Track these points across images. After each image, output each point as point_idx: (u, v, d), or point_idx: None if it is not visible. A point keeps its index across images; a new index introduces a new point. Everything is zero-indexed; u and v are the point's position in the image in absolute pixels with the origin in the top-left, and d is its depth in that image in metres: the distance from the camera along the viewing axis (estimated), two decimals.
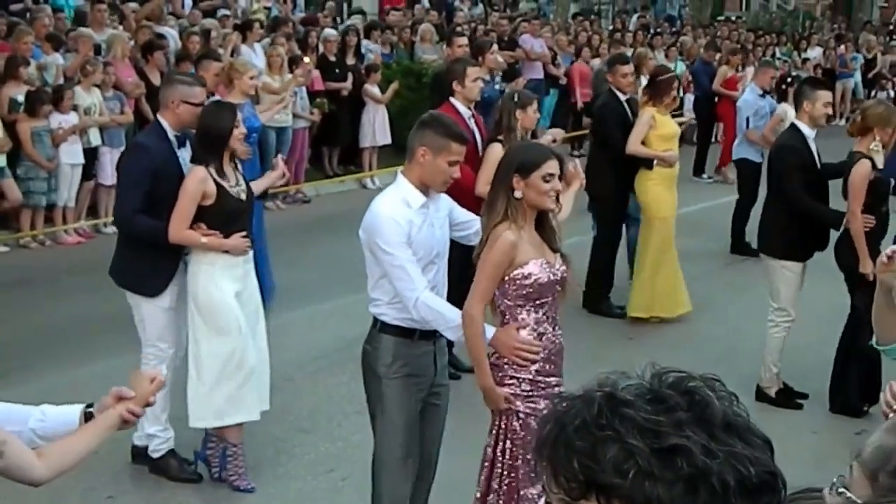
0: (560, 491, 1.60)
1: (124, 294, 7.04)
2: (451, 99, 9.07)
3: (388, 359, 5.58)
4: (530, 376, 5.33)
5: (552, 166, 5.27)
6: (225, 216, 6.62)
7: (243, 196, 6.77)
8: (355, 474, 7.20)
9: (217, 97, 8.74)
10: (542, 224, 5.39)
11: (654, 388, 1.63)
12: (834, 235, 8.46)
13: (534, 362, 5.32)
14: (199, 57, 11.82)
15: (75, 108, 13.13)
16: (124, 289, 7.00)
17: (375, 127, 17.34)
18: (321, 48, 17.29)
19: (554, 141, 9.18)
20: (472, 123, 8.81)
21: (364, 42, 18.76)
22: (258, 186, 7.63)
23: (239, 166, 6.92)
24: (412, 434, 5.66)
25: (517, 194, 5.23)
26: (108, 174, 13.62)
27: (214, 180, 6.58)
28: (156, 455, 7.10)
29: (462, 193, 5.97)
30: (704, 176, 18.34)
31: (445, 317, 5.44)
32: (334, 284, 11.06)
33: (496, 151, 8.08)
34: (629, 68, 11.02)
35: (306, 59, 15.97)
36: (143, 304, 6.92)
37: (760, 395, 8.71)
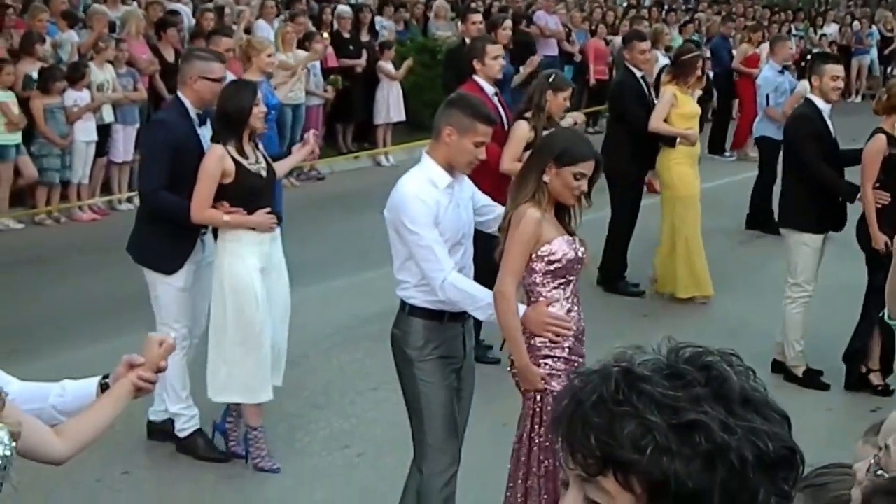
0: (577, 467, 1.59)
1: (138, 272, 7.04)
2: (475, 77, 9.04)
3: (420, 342, 5.51)
4: (564, 354, 5.30)
5: (587, 167, 5.22)
6: (246, 193, 6.60)
7: (263, 173, 6.74)
8: (369, 451, 7.22)
9: (230, 74, 8.69)
10: (562, 212, 5.36)
11: (671, 363, 1.61)
12: (852, 215, 8.41)
13: (566, 338, 5.29)
14: (210, 33, 11.82)
15: (88, 85, 13.12)
16: (141, 265, 7.00)
17: (390, 104, 17.31)
18: (335, 25, 17.25)
19: (575, 123, 9.15)
20: (496, 101, 8.74)
21: (377, 19, 18.72)
22: (289, 162, 7.65)
23: (259, 144, 6.89)
24: (452, 415, 5.58)
25: (545, 178, 5.19)
26: (120, 151, 13.70)
27: (233, 158, 6.55)
28: (183, 434, 7.07)
29: (486, 170, 5.93)
30: (726, 154, 18.23)
31: (474, 297, 5.40)
32: (348, 261, 11.07)
33: (522, 129, 8.05)
34: (646, 45, 10.98)
35: (325, 34, 15.93)
36: (157, 282, 6.92)
37: (784, 373, 8.69)
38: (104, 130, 13.44)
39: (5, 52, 13.00)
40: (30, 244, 11.79)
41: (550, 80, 8.62)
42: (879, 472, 2.33)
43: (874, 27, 28.41)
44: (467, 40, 12.82)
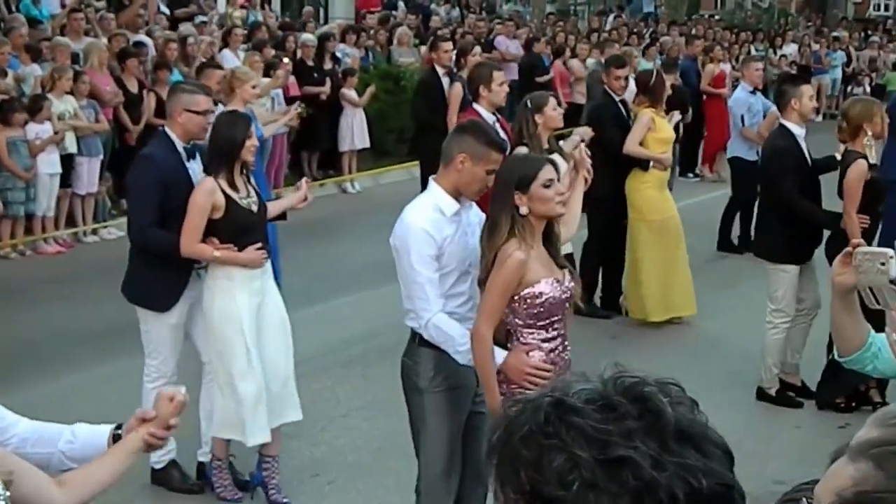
0: (507, 501, 1.55)
1: (106, 303, 7.00)
2: (475, 105, 9.05)
3: (430, 372, 5.46)
4: None
5: (549, 171, 5.15)
6: (236, 228, 6.48)
7: (255, 208, 6.61)
8: (340, 479, 7.18)
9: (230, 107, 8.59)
10: (549, 239, 5.28)
11: (605, 393, 1.56)
12: (827, 232, 8.42)
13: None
14: (201, 66, 11.80)
15: (50, 117, 13.04)
16: (134, 304, 6.89)
17: (354, 131, 17.31)
18: (299, 53, 17.26)
19: (582, 140, 9.12)
20: (498, 128, 8.66)
21: (340, 46, 18.73)
22: (280, 205, 7.53)
23: (251, 178, 6.78)
24: (455, 449, 5.55)
25: (522, 210, 5.09)
26: (84, 183, 13.63)
27: (224, 192, 6.43)
28: (158, 466, 6.98)
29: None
30: (690, 175, 18.29)
31: (454, 340, 5.34)
32: (317, 289, 11.04)
33: None
34: (624, 72, 10.99)
35: (286, 60, 15.92)
36: (150, 319, 6.82)
37: (762, 396, 8.65)
38: (67, 161, 13.35)
39: None
40: None
41: (527, 105, 8.53)
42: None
43: (839, 51, 28.62)
44: (438, 69, 12.89)
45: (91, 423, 3.70)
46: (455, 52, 13.21)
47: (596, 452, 1.49)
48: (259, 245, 6.59)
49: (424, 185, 12.45)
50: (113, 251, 13.12)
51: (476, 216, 5.65)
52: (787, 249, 8.43)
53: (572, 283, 5.31)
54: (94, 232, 13.95)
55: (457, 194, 5.45)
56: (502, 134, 8.50)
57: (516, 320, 5.20)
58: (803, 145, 8.49)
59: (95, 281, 11.70)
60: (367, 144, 17.60)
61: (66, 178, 13.46)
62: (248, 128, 6.62)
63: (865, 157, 8.00)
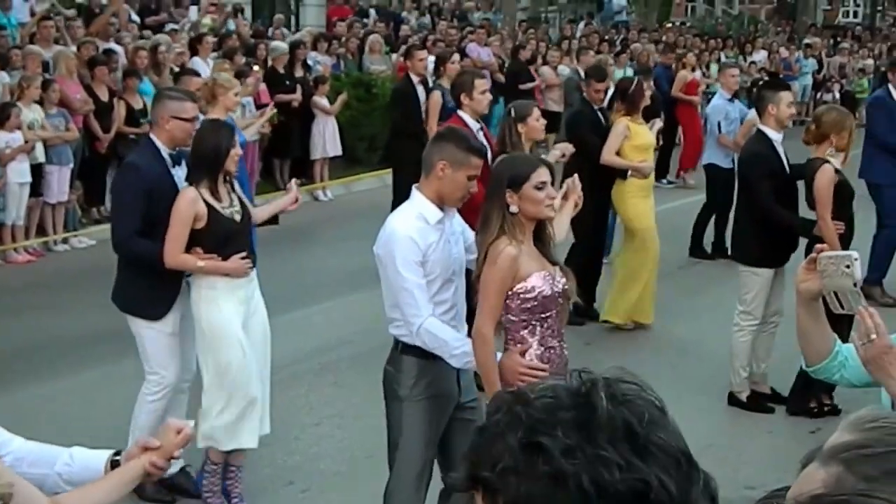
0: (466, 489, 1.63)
1: (75, 312, 6.93)
2: (460, 112, 9.07)
3: (411, 381, 5.45)
4: None
5: (542, 174, 5.17)
6: (219, 238, 6.43)
7: (238, 217, 6.55)
8: (314, 487, 7.16)
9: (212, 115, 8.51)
10: (541, 238, 5.29)
11: (559, 388, 1.60)
12: (803, 239, 8.44)
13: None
14: (179, 73, 11.77)
15: (20, 126, 12.97)
16: (126, 313, 6.79)
17: (326, 138, 17.31)
18: (270, 61, 17.24)
19: (563, 156, 9.12)
20: (481, 136, 8.60)
21: (311, 54, 18.72)
22: (268, 210, 7.47)
23: (236, 186, 6.71)
24: (429, 458, 5.55)
25: (513, 209, 5.13)
26: (54, 192, 13.54)
27: (206, 201, 6.37)
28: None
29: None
30: (664, 181, 18.33)
31: (449, 344, 5.34)
32: (289, 297, 11.00)
33: None
34: (604, 85, 11.00)
35: (256, 67, 15.90)
36: (144, 329, 6.73)
37: (733, 401, 8.66)
38: (37, 170, 13.26)
39: None
40: None
41: (511, 114, 8.54)
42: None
43: (811, 58, 28.75)
44: (413, 77, 12.90)
45: (55, 435, 3.67)
46: (432, 60, 13.17)
47: (521, 437, 1.54)
48: (244, 254, 6.55)
49: (397, 193, 12.55)
50: (84, 260, 13.14)
51: (459, 225, 5.67)
52: (763, 253, 8.45)
53: (565, 280, 5.31)
54: (65, 241, 13.88)
55: (440, 202, 5.44)
56: (485, 142, 8.53)
57: (510, 317, 5.21)
58: (780, 151, 8.51)
59: (66, 290, 11.69)
60: (339, 152, 17.59)
61: (37, 188, 13.38)
62: (233, 137, 6.59)
63: (832, 164, 8.06)
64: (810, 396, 8.33)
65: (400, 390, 5.49)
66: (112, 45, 16.42)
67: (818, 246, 3.80)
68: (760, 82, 16.05)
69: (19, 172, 12.96)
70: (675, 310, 10.88)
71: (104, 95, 14.38)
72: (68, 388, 8.72)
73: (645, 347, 10.01)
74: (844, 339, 3.77)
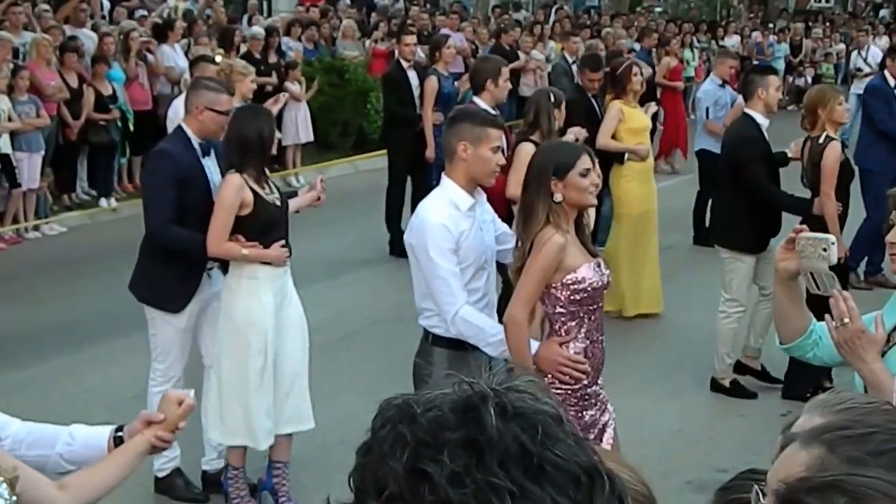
0: None
1: (52, 299, 6.87)
2: (476, 98, 9.05)
3: (442, 373, 5.29)
4: (579, 391, 5.11)
5: (586, 161, 5.07)
6: (263, 225, 6.32)
7: (278, 203, 6.45)
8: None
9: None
10: (580, 228, 5.19)
11: (444, 400, 1.50)
12: (787, 224, 8.43)
13: (579, 381, 5.09)
14: (195, 59, 11.67)
15: None
16: (144, 303, 6.72)
17: (298, 124, 17.22)
18: (243, 47, 17.16)
19: (577, 140, 9.10)
20: None
21: (284, 39, 18.67)
22: (294, 204, 7.27)
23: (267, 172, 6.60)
24: None
25: (557, 197, 5.00)
26: (25, 178, 13.41)
27: (251, 188, 6.25)
28: (161, 474, 6.83)
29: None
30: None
31: (485, 332, 5.29)
32: None
33: (527, 152, 7.49)
34: (598, 75, 10.97)
35: (218, 59, 15.86)
36: (158, 321, 6.67)
37: (715, 387, 8.66)
38: (4, 161, 13.15)
39: None
40: None
41: (551, 98, 8.53)
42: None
43: (783, 43, 28.80)
44: (402, 61, 12.89)
45: (30, 421, 3.64)
46: (428, 46, 13.15)
47: (406, 463, 1.45)
48: (283, 242, 6.46)
49: (394, 177, 12.49)
50: (55, 247, 13.10)
51: (489, 213, 5.63)
52: (745, 238, 8.46)
53: (609, 271, 5.25)
54: (36, 228, 13.81)
55: (471, 186, 5.39)
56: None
57: (559, 309, 5.09)
58: (765, 134, 8.54)
59: (39, 277, 11.64)
60: (311, 138, 17.52)
61: (13, 180, 13.27)
62: (273, 122, 6.54)
63: (838, 140, 8.09)
64: (809, 385, 8.01)
65: (430, 382, 5.45)
66: (80, 31, 16.32)
67: (796, 227, 3.82)
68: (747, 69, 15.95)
69: None
70: (668, 296, 10.80)
71: (74, 82, 14.30)
72: (41, 374, 8.71)
73: (624, 332, 9.91)
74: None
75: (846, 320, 3.45)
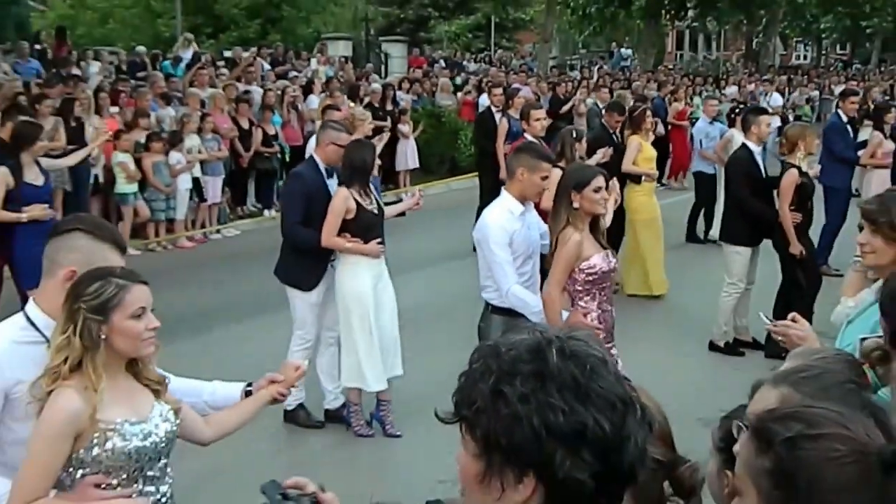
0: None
1: (226, 284, 6.93)
2: (525, 133, 9.37)
3: (498, 333, 5.39)
4: None
5: (600, 181, 5.19)
6: (363, 227, 6.45)
7: (375, 211, 6.57)
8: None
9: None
10: (595, 227, 5.30)
11: (520, 344, 1.57)
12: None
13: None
14: (324, 107, 11.84)
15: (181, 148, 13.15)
16: (285, 284, 6.85)
17: (408, 155, 17.34)
18: (367, 98, 17.28)
19: (603, 157, 9.17)
20: None
21: (398, 93, 18.77)
22: (396, 209, 7.45)
23: (372, 187, 6.72)
24: None
25: (575, 205, 5.14)
26: (209, 195, 13.69)
27: (355, 199, 6.42)
28: (289, 408, 6.94)
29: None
30: (658, 184, 18.10)
31: (529, 304, 5.42)
32: (397, 265, 11.05)
33: (555, 175, 7.72)
34: (622, 117, 10.95)
35: (350, 105, 15.98)
36: (296, 298, 6.79)
37: (713, 347, 8.68)
38: (196, 182, 13.45)
39: (121, 125, 13.03)
40: (144, 266, 11.47)
41: (573, 135, 8.62)
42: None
43: (776, 93, 28.24)
44: (492, 108, 12.86)
45: (212, 376, 3.71)
46: (504, 95, 13.10)
47: (490, 385, 1.52)
48: (379, 240, 6.58)
49: (483, 193, 12.54)
50: (232, 246, 13.30)
51: (535, 217, 5.77)
52: (741, 235, 8.46)
53: (615, 259, 5.37)
54: (218, 231, 14.05)
55: (522, 199, 5.54)
56: None
57: (577, 287, 5.22)
58: (758, 159, 8.52)
59: (222, 266, 11.84)
60: (417, 165, 17.61)
61: (202, 195, 13.58)
62: (375, 152, 6.70)
63: (798, 168, 8.07)
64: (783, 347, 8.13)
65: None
66: (251, 87, 16.56)
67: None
68: (740, 109, 15.74)
69: (185, 181, 13.16)
70: (670, 281, 10.75)
71: (245, 124, 14.51)
72: (221, 340, 8.85)
73: (646, 309, 9.92)
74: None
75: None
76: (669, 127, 17.99)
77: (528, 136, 9.17)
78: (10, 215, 8.02)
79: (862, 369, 2.49)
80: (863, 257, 3.80)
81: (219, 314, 9.57)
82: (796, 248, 8.07)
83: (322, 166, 6.74)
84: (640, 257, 10.39)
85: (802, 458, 1.65)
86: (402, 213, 7.98)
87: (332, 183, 6.71)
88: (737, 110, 15.59)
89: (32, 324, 3.13)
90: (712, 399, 7.34)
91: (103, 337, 2.89)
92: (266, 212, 14.92)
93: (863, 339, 2.95)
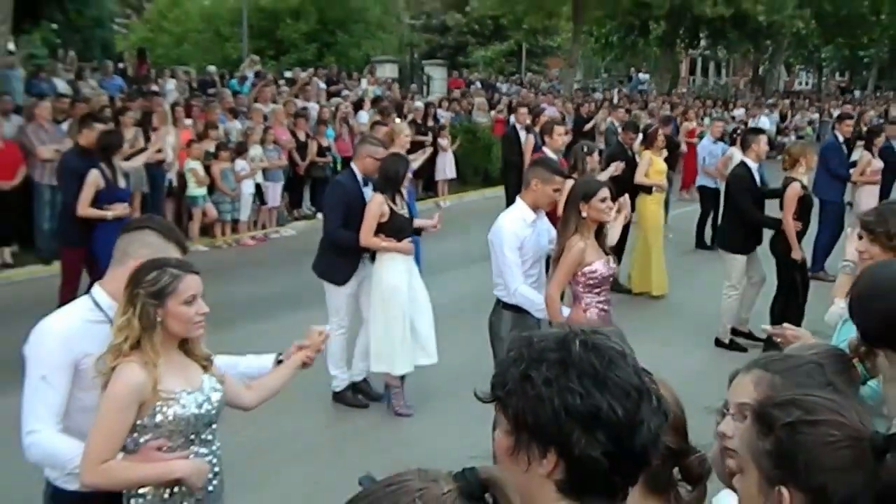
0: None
1: (281, 277, 6.94)
2: (544, 147, 9.22)
3: (508, 327, 5.51)
4: None
5: (605, 192, 5.18)
6: (395, 228, 6.52)
7: (406, 214, 6.67)
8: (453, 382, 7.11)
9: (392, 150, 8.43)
10: (599, 235, 5.29)
11: (549, 337, 1.60)
12: (767, 235, 8.36)
13: None
14: (373, 123, 11.93)
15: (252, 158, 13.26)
16: (322, 279, 6.93)
17: (446, 166, 17.35)
18: (410, 115, 17.33)
19: (615, 170, 9.12)
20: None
21: (438, 111, 18.80)
22: (416, 224, 7.35)
23: (405, 194, 6.79)
24: None
25: (583, 214, 5.14)
26: (269, 199, 13.77)
27: (388, 204, 6.50)
28: (337, 389, 7.03)
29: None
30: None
31: (535, 303, 5.41)
32: (433, 263, 11.05)
33: (570, 186, 7.71)
34: (636, 135, 10.95)
35: (397, 121, 16.02)
36: (332, 290, 6.87)
37: (718, 343, 8.62)
38: (258, 188, 13.57)
39: (193, 135, 13.17)
40: (211, 261, 11.68)
41: (584, 150, 8.54)
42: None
43: (764, 117, 27.99)
44: (517, 126, 12.87)
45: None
46: (531, 114, 13.10)
47: (521, 370, 1.55)
48: (410, 239, 6.67)
49: (508, 202, 12.54)
50: (289, 244, 13.37)
51: (545, 224, 5.74)
52: (738, 244, 8.42)
53: (615, 265, 5.35)
54: (277, 231, 14.15)
55: (535, 207, 5.54)
56: None
57: (579, 288, 5.20)
58: (756, 175, 8.48)
59: (280, 262, 11.89)
60: (455, 175, 17.62)
61: (263, 199, 13.69)
62: (408, 165, 6.73)
63: (800, 182, 8.03)
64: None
65: (500, 332, 5.55)
66: (308, 103, 16.66)
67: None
68: (742, 129, 15.70)
69: (248, 186, 13.27)
70: (679, 282, 10.68)
71: (302, 137, 14.60)
72: (278, 327, 8.88)
73: (656, 308, 9.87)
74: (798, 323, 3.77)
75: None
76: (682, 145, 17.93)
77: (547, 151, 9.05)
78: (98, 213, 8.19)
79: (851, 363, 2.46)
80: (861, 264, 3.76)
81: (277, 304, 9.62)
82: (798, 253, 8.01)
83: (360, 176, 6.82)
84: (648, 259, 10.34)
85: (801, 441, 1.66)
86: (419, 231, 7.87)
87: (367, 191, 6.78)
88: (738, 130, 15.54)
89: (98, 305, 3.19)
90: (717, 389, 7.32)
91: (159, 319, 2.94)
92: (319, 215, 14.90)
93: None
